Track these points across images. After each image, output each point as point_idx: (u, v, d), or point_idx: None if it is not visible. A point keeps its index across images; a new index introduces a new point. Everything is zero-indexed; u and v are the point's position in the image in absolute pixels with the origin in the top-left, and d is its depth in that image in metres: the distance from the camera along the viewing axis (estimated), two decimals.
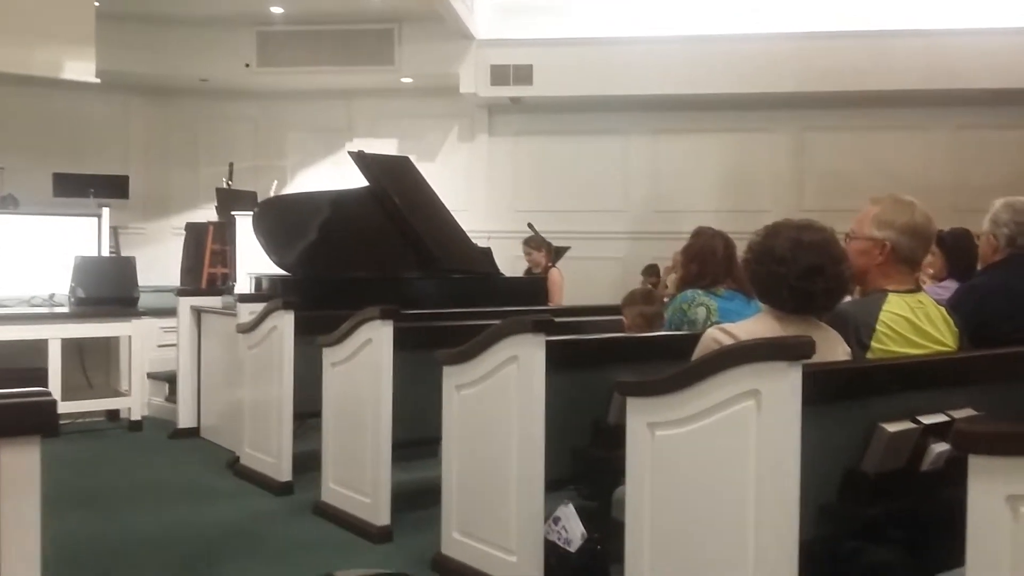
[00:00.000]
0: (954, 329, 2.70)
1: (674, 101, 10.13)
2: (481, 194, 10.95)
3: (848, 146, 10.21)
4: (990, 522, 1.75)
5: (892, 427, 2.30)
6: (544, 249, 7.59)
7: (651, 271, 9.21)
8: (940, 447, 2.32)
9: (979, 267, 3.55)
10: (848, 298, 2.77)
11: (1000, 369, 2.70)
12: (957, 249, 4.24)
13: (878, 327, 2.54)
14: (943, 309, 2.74)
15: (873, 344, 2.54)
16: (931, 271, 4.32)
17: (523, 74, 10.16)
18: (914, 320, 2.60)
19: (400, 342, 3.80)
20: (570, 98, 10.25)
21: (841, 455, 2.33)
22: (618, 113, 10.57)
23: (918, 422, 2.34)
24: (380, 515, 3.77)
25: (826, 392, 2.24)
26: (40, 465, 1.70)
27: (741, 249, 2.74)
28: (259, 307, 4.75)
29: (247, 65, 10.65)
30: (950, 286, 3.87)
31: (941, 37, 9.25)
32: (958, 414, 2.40)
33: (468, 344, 3.30)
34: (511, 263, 7.76)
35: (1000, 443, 1.77)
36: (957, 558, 1.82)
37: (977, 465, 1.77)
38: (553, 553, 3.00)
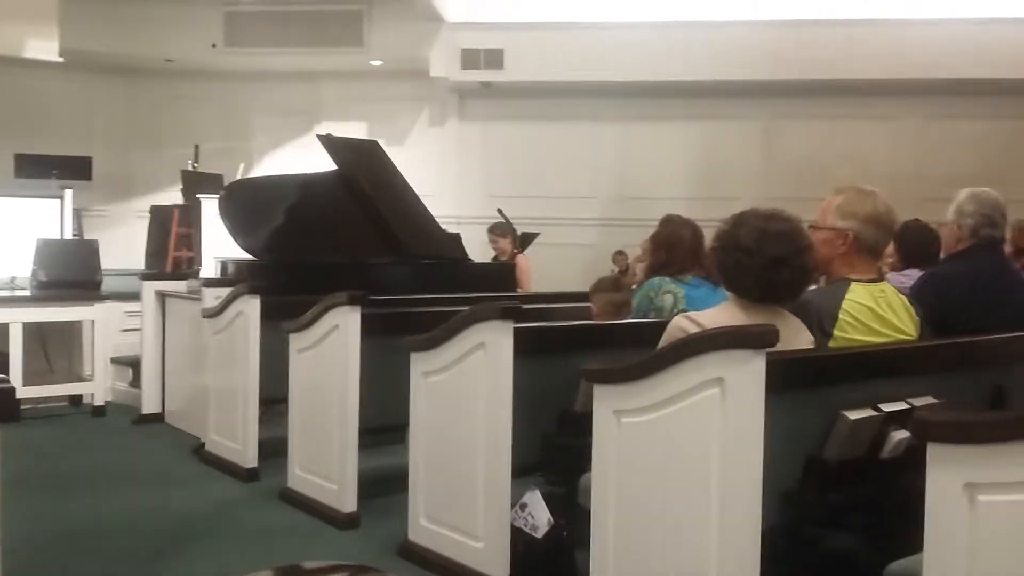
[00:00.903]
0: (915, 318, 2.73)
1: (645, 87, 10.14)
2: (451, 179, 10.90)
3: (817, 134, 10.29)
4: (948, 509, 1.77)
5: (853, 415, 2.32)
6: (510, 236, 7.57)
7: (622, 256, 9.26)
8: (900, 435, 2.36)
9: (942, 256, 3.59)
10: (813, 287, 2.79)
11: (960, 357, 2.74)
12: (910, 241, 4.27)
13: (840, 316, 2.57)
14: (905, 298, 2.77)
15: (836, 332, 2.56)
16: (891, 260, 4.36)
17: (494, 58, 10.12)
18: (876, 309, 2.62)
19: (368, 328, 3.79)
20: (541, 83, 10.22)
21: (804, 442, 2.35)
22: (589, 99, 10.57)
23: (879, 410, 2.37)
24: (347, 501, 3.76)
25: (789, 380, 2.26)
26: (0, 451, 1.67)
27: (711, 236, 2.75)
28: (225, 292, 4.70)
29: (213, 45, 10.49)
30: (913, 275, 3.91)
31: (909, 27, 9.34)
32: (918, 402, 2.43)
33: (436, 331, 3.29)
34: (481, 249, 7.74)
35: (958, 431, 1.80)
36: (916, 544, 1.85)
37: (936, 453, 1.80)
38: (520, 539, 3.01)
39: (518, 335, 3.05)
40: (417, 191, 6.25)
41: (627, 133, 10.72)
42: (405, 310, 4.39)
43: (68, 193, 6.89)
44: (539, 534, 2.98)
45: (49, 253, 5.94)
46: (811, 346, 2.53)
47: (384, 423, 3.93)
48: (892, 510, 2.38)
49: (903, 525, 2.00)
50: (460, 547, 3.17)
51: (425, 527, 3.33)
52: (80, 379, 6.09)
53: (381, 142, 6.70)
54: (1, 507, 1.67)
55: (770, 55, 9.54)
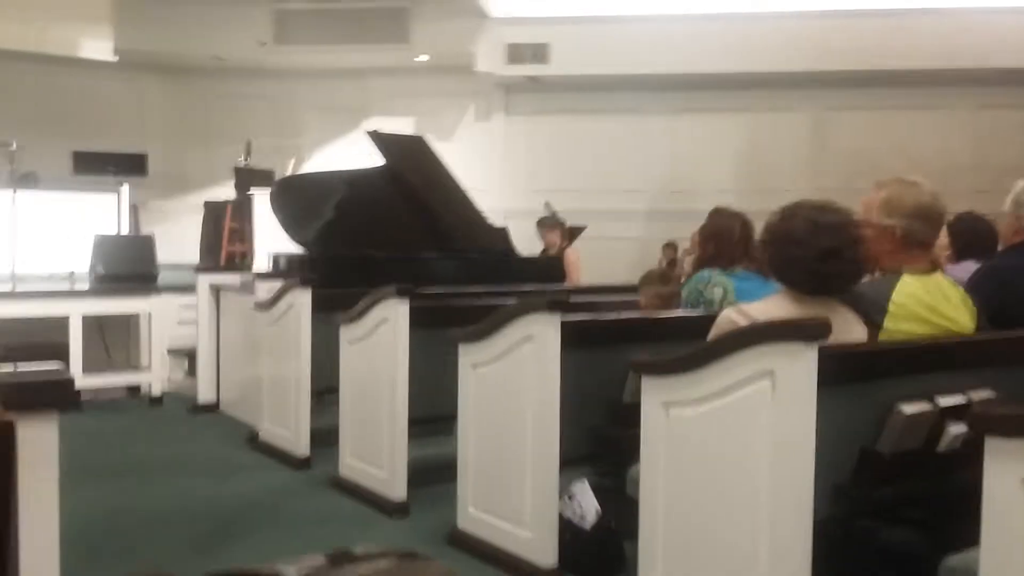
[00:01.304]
0: (972, 310, 2.69)
1: (692, 80, 10.06)
2: (497, 173, 10.93)
3: (867, 125, 10.12)
4: (1005, 504, 1.75)
5: (909, 408, 2.30)
6: (558, 229, 7.58)
7: (671, 247, 9.22)
8: (957, 429, 2.32)
9: (1000, 247, 3.51)
10: (867, 278, 2.76)
11: (1019, 351, 2.69)
12: (964, 234, 4.15)
13: (890, 307, 2.53)
14: (960, 290, 2.72)
15: (886, 324, 2.53)
16: (947, 254, 4.27)
17: (540, 53, 10.12)
18: (928, 301, 2.58)
19: (416, 320, 3.83)
20: (587, 77, 10.20)
21: (857, 436, 2.33)
22: (636, 92, 10.52)
23: (935, 403, 2.34)
24: (397, 490, 3.81)
25: (842, 373, 2.24)
26: (58, 440, 1.71)
27: (759, 229, 2.73)
28: (277, 285, 4.78)
29: (263, 44, 10.65)
30: (969, 267, 3.84)
31: (961, 15, 9.14)
32: (976, 396, 2.40)
33: (484, 323, 3.31)
34: (529, 242, 7.76)
35: (1017, 425, 1.77)
36: (972, 538, 1.83)
37: (993, 447, 1.78)
38: (568, 529, 3.03)
39: (565, 327, 3.06)
40: (464, 185, 6.29)
41: (675, 126, 10.65)
42: (453, 303, 4.43)
43: (125, 188, 7.07)
44: (587, 524, 3.00)
45: (107, 247, 6.11)
46: (865, 338, 2.51)
47: (433, 413, 3.97)
48: (948, 504, 2.35)
49: (959, 519, 1.98)
50: (508, 536, 3.19)
51: (473, 515, 3.36)
52: (138, 369, 6.24)
53: (428, 137, 6.76)
54: (62, 494, 1.72)
55: (819, 46, 9.40)
